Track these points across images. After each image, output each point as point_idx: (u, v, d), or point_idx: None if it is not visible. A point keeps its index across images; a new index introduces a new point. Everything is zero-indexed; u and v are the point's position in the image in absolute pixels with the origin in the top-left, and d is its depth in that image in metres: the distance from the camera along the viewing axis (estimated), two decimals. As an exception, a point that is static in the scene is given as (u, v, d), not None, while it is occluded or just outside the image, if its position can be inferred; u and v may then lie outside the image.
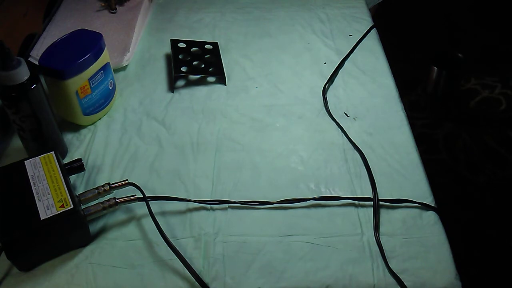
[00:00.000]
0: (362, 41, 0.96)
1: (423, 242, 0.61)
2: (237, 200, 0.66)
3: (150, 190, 0.67)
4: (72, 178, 0.69)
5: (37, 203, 0.57)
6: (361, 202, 0.66)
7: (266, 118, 0.80)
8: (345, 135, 0.76)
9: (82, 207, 0.61)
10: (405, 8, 1.88)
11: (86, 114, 0.77)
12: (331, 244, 0.61)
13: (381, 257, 0.60)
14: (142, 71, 0.90)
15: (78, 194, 0.63)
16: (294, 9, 1.06)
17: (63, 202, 0.57)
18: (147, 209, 0.63)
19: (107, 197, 0.63)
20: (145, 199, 0.64)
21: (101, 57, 0.75)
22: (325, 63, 0.91)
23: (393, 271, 0.58)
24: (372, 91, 0.85)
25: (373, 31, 0.99)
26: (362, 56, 0.93)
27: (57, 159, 0.63)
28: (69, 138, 0.77)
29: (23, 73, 0.62)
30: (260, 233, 0.63)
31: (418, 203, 0.66)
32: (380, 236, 0.62)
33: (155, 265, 0.59)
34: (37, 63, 0.76)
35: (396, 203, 0.66)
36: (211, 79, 0.88)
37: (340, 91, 0.85)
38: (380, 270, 0.59)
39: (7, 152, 0.75)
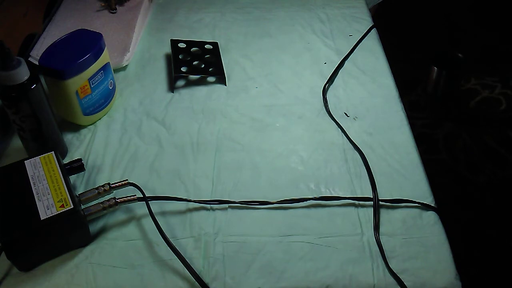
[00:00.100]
0: (362, 41, 0.96)
1: (423, 242, 0.61)
2: (237, 200, 0.66)
3: (150, 190, 0.67)
4: (72, 178, 0.69)
5: (37, 203, 0.57)
6: (361, 202, 0.66)
7: (266, 118, 0.80)
8: (345, 135, 0.76)
9: (82, 207, 0.61)
10: (405, 8, 1.88)
11: (86, 114, 0.77)
12: (331, 244, 0.61)
13: (381, 257, 0.60)
14: (142, 71, 0.90)
15: (78, 194, 0.63)
16: (294, 9, 1.06)
17: (63, 202, 0.57)
18: (147, 209, 0.63)
19: (107, 197, 0.63)
20: (145, 199, 0.64)
21: (101, 57, 0.75)
22: (325, 63, 0.91)
23: (393, 271, 0.58)
24: (372, 91, 0.85)
25: (373, 31, 0.99)
26: (362, 56, 0.93)
27: (57, 159, 0.63)
28: (69, 138, 0.77)
29: (23, 73, 0.62)
30: (260, 233, 0.63)
31: (418, 203, 0.66)
32: (380, 236, 0.62)
33: (155, 265, 0.59)
34: (37, 63, 0.76)
35: (396, 203, 0.66)
36: (211, 79, 0.88)
37: (340, 91, 0.85)
38: (380, 270, 0.59)
39: (7, 152, 0.75)
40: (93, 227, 0.63)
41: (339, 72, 0.89)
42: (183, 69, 0.87)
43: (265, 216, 0.65)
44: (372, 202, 0.66)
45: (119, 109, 0.82)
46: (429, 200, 0.66)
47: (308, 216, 0.65)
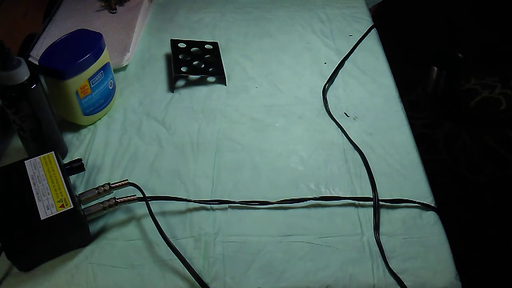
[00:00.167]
0: (362, 41, 0.96)
1: (423, 242, 0.61)
2: (237, 200, 0.66)
3: (150, 190, 0.67)
4: (72, 178, 0.69)
5: (37, 203, 0.57)
6: (361, 202, 0.66)
7: (266, 118, 0.80)
8: (345, 135, 0.76)
9: (82, 207, 0.61)
10: (405, 8, 1.88)
11: (86, 114, 0.77)
12: (331, 244, 0.61)
13: (381, 257, 0.60)
14: (142, 71, 0.90)
15: (78, 194, 0.63)
16: (294, 9, 1.06)
17: (63, 202, 0.57)
18: (147, 209, 0.63)
19: (107, 197, 0.63)
20: (145, 199, 0.64)
21: (101, 57, 0.75)
22: (325, 63, 0.91)
23: (393, 271, 0.58)
24: (372, 91, 0.85)
25: (373, 31, 0.99)
26: (362, 56, 0.93)
27: (57, 159, 0.63)
28: (69, 138, 0.77)
29: (23, 73, 0.62)
30: (260, 233, 0.63)
31: (418, 203, 0.66)
32: (380, 236, 0.62)
33: (155, 265, 0.59)
34: (37, 63, 0.76)
35: (396, 203, 0.66)
36: (211, 79, 0.88)
37: (340, 91, 0.85)
38: (380, 270, 0.59)
39: (7, 152, 0.75)
40: (93, 227, 0.63)
41: (339, 72, 0.89)
42: (183, 69, 0.87)
43: (265, 216, 0.65)
44: (372, 202, 0.66)
45: (119, 109, 0.82)
46: (429, 200, 0.66)
47: (308, 216, 0.65)
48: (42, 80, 0.68)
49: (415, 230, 0.63)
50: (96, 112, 0.79)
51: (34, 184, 0.60)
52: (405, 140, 0.76)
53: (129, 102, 0.83)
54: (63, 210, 0.57)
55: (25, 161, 0.63)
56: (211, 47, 0.93)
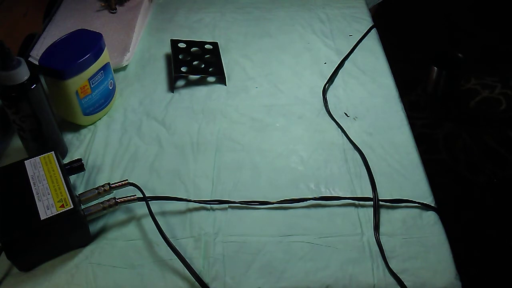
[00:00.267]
0: (362, 41, 0.96)
1: (423, 242, 0.61)
2: (237, 200, 0.66)
3: (150, 190, 0.67)
4: (72, 178, 0.69)
5: (37, 203, 0.57)
6: (361, 202, 0.66)
7: (266, 118, 0.80)
8: (345, 135, 0.76)
9: (82, 207, 0.61)
10: (405, 8, 1.88)
11: (86, 114, 0.77)
12: (331, 244, 0.61)
13: (381, 257, 0.60)
14: (142, 71, 0.90)
15: (78, 194, 0.63)
16: (294, 9, 1.06)
17: (63, 202, 0.57)
18: (147, 209, 0.63)
19: (107, 197, 0.63)
20: (145, 199, 0.64)
21: (101, 57, 0.75)
22: (325, 63, 0.91)
23: (393, 271, 0.58)
24: (372, 91, 0.85)
25: (373, 31, 0.99)
26: (362, 56, 0.93)
27: (57, 159, 0.63)
28: (69, 138, 0.77)
29: (23, 73, 0.62)
30: (260, 233, 0.63)
31: (418, 203, 0.66)
32: (380, 236, 0.62)
33: (155, 265, 0.59)
34: (37, 63, 0.76)
35: (396, 203, 0.66)
36: (211, 79, 0.88)
37: (340, 91, 0.85)
38: (380, 270, 0.59)
39: (7, 152, 0.75)
40: (93, 227, 0.63)
41: (339, 72, 0.89)
42: (183, 69, 0.87)
43: (265, 216, 0.65)
44: (372, 202, 0.66)
45: (119, 109, 0.82)
46: (429, 200, 0.66)
47: (308, 216, 0.65)
48: (42, 80, 0.68)
49: (415, 230, 0.63)
50: (96, 112, 0.79)
51: (34, 184, 0.60)
52: (405, 140, 0.76)
53: (129, 102, 0.83)
54: (63, 210, 0.57)
55: (25, 161, 0.63)
56: (211, 47, 0.93)
